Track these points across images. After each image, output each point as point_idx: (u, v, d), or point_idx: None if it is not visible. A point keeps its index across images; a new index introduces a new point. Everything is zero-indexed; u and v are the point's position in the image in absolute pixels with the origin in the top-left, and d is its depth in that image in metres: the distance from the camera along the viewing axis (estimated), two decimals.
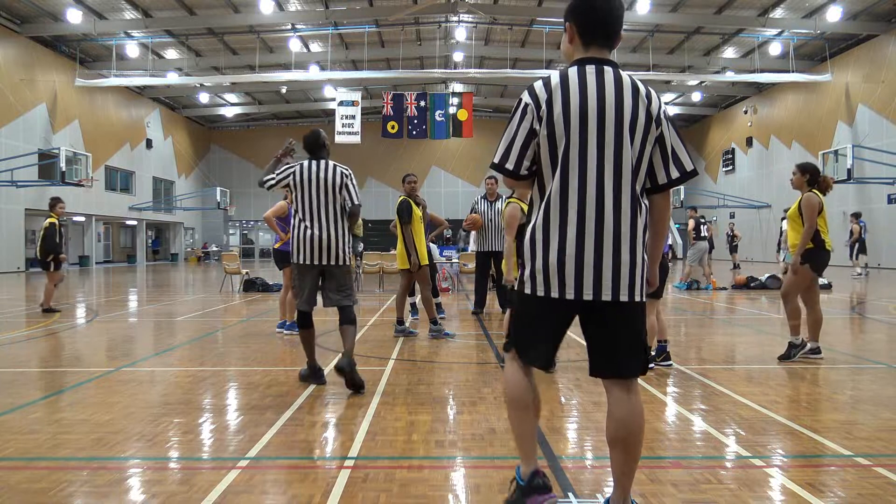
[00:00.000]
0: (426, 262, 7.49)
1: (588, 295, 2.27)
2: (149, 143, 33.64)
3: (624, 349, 2.33)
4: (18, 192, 23.18)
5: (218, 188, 36.78)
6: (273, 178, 4.94)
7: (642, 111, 2.31)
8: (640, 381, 4.98)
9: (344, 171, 4.93)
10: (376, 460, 3.26)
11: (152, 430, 3.78)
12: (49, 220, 10.60)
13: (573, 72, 2.34)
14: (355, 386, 4.68)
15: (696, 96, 34.27)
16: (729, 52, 27.70)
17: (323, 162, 4.90)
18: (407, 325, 7.68)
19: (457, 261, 15.11)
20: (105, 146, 29.38)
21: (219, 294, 14.01)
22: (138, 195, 33.10)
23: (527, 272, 2.37)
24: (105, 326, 8.78)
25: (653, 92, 2.38)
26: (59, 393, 4.76)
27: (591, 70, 2.33)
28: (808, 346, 5.88)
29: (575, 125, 2.28)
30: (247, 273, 15.12)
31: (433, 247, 9.83)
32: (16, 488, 2.90)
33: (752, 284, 14.18)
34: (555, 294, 2.30)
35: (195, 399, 4.58)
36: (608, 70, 2.33)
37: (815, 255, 5.83)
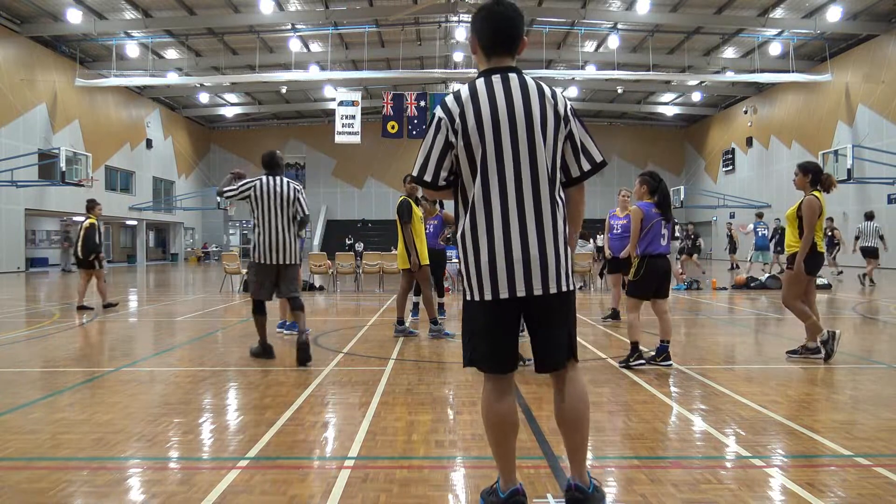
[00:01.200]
0: (426, 261, 7.50)
1: (521, 292, 2.37)
2: (149, 143, 33.64)
3: (559, 340, 2.45)
4: (18, 192, 23.17)
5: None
6: (234, 190, 5.82)
7: (550, 112, 2.42)
8: (639, 381, 5.02)
9: (296, 186, 5.96)
10: (376, 460, 3.26)
11: (152, 430, 3.78)
12: (88, 220, 10.78)
13: (481, 83, 2.45)
14: (304, 358, 5.63)
15: (696, 96, 34.26)
16: (729, 52, 27.69)
17: (278, 178, 5.85)
18: (407, 325, 7.68)
19: (456, 261, 15.10)
20: (105, 146, 29.36)
21: (219, 294, 14.01)
22: (138, 195, 33.08)
23: (465, 281, 2.48)
24: (105, 326, 8.78)
25: (557, 92, 2.50)
26: (59, 393, 4.76)
27: (496, 79, 2.44)
28: (809, 345, 5.88)
29: (489, 133, 2.38)
30: (247, 273, 15.10)
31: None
32: (16, 488, 2.90)
33: (752, 284, 14.18)
34: (488, 296, 2.40)
35: (195, 399, 4.58)
36: (513, 77, 2.44)
37: (806, 257, 5.82)
